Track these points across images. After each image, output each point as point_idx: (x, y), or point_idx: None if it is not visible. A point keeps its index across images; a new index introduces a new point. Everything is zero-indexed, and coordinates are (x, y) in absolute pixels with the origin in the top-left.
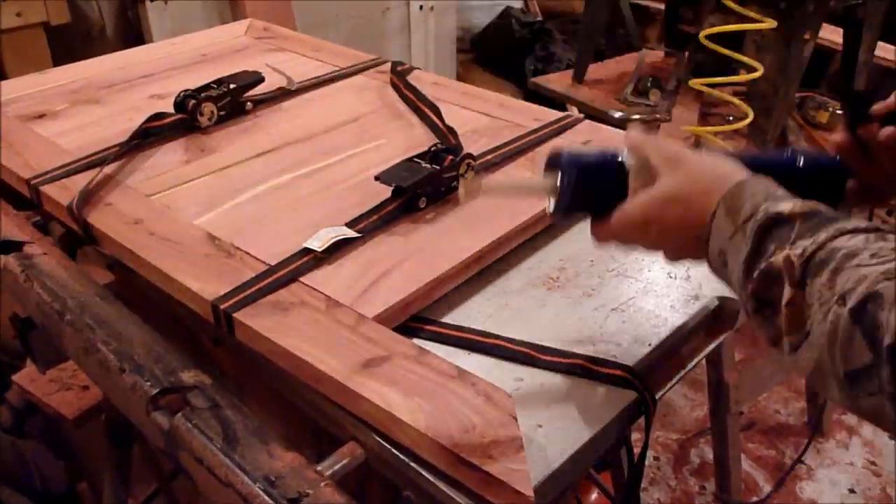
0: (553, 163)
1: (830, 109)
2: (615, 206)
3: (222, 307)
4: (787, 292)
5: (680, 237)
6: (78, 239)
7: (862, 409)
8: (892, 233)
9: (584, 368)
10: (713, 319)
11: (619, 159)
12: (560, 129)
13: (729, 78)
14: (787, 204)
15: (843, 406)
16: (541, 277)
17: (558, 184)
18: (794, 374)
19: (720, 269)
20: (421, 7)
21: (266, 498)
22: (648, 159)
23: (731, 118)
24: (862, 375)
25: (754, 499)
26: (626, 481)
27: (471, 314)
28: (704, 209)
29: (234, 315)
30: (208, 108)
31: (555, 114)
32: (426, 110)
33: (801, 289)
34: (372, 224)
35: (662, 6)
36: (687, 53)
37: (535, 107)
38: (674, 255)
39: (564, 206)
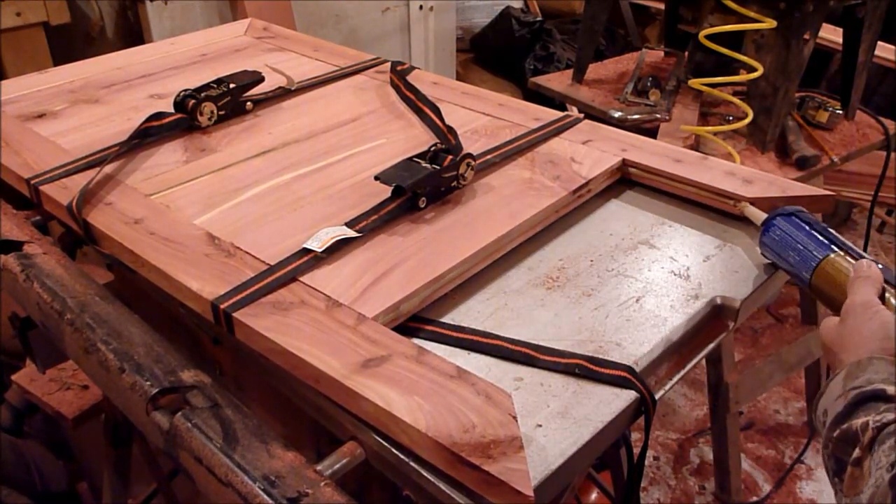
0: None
1: (830, 109)
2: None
3: (222, 307)
4: (856, 453)
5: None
6: (78, 239)
7: None
8: None
9: (583, 368)
10: (713, 319)
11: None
12: (560, 128)
13: (729, 78)
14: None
15: None
16: (541, 277)
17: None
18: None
19: (819, 428)
20: (421, 7)
21: (266, 497)
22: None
23: (730, 118)
24: None
25: (754, 498)
26: (625, 481)
27: (471, 314)
28: (835, 367)
29: (234, 315)
30: (208, 107)
31: (554, 113)
32: (426, 110)
33: (868, 453)
34: (372, 224)
35: (662, 6)
36: (687, 53)
37: (534, 106)
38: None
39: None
